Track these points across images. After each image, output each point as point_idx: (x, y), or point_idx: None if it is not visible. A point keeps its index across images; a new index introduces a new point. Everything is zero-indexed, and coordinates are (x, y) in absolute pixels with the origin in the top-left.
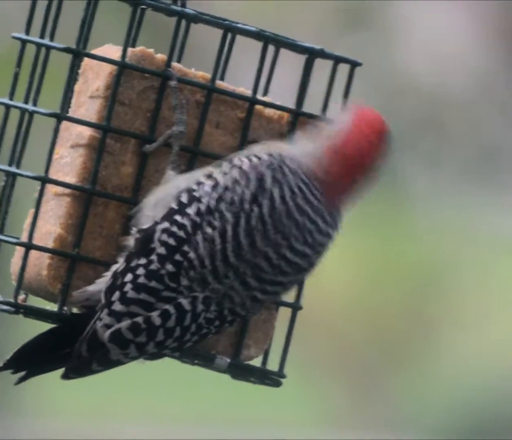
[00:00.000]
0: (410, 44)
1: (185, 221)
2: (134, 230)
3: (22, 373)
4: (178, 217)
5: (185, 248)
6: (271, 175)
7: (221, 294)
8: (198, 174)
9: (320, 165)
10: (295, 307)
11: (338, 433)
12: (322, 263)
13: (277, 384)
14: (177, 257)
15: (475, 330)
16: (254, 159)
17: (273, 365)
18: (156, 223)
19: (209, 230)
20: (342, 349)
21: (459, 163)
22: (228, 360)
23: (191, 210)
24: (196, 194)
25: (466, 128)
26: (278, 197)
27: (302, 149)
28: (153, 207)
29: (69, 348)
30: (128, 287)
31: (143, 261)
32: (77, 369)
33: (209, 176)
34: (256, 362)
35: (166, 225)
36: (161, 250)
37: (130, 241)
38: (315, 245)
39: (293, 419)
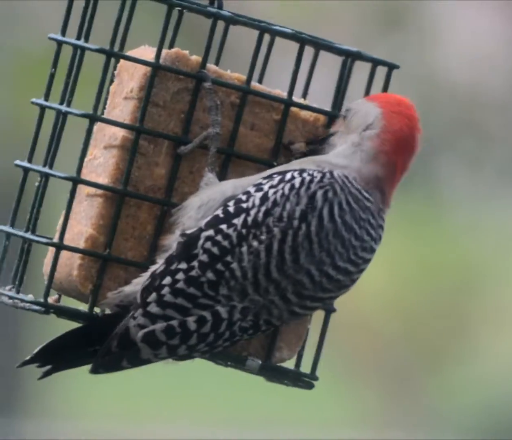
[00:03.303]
0: (447, 45)
1: (231, 232)
2: (176, 232)
3: (47, 368)
4: (223, 227)
5: (228, 258)
6: (322, 194)
7: (260, 306)
8: (246, 182)
9: (375, 163)
10: (329, 310)
11: (373, 433)
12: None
13: (310, 386)
14: (219, 266)
15: (511, 330)
16: (307, 177)
17: (308, 367)
18: (201, 230)
19: (255, 243)
20: (377, 350)
21: (497, 165)
22: (260, 362)
23: (237, 222)
24: (243, 205)
25: (504, 129)
26: (327, 215)
27: (347, 155)
28: (196, 209)
29: (96, 346)
30: (166, 290)
31: (183, 265)
32: (107, 364)
33: (259, 188)
34: (290, 364)
35: (211, 232)
36: (204, 257)
37: (172, 243)
38: (359, 262)
39: (328, 420)
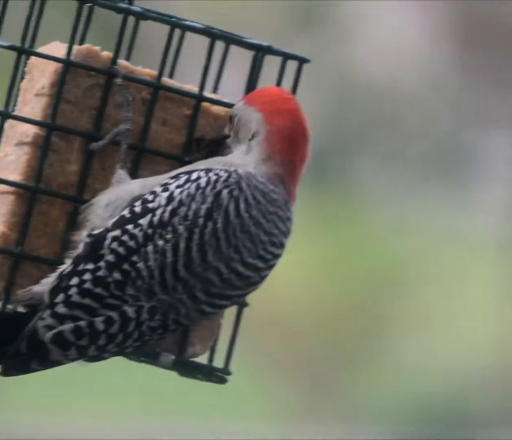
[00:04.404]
0: (363, 43)
1: (137, 232)
2: (84, 232)
3: None
4: (130, 227)
5: (134, 258)
6: (227, 192)
7: (167, 305)
8: (153, 182)
9: (271, 163)
10: (241, 304)
11: (288, 426)
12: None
13: (223, 381)
14: (126, 266)
15: (430, 328)
16: (212, 176)
17: (222, 362)
18: (108, 230)
19: (160, 242)
20: (293, 345)
21: (414, 161)
22: (173, 357)
23: (144, 222)
24: (150, 205)
25: (421, 126)
26: (233, 211)
27: (244, 158)
28: (104, 207)
29: (10, 345)
30: (73, 291)
31: (90, 266)
32: (17, 366)
33: (165, 188)
34: (203, 359)
35: (117, 233)
36: (110, 258)
37: (79, 243)
38: (268, 257)
39: (244, 413)
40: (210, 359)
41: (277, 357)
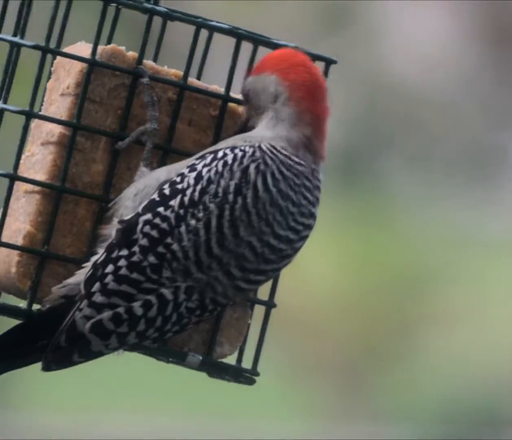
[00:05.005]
0: (392, 44)
1: (169, 213)
2: (115, 220)
3: None
4: (161, 210)
5: (168, 240)
6: (254, 167)
7: (204, 284)
8: (179, 166)
9: (300, 123)
10: (269, 305)
11: (318, 427)
12: (303, 262)
13: (251, 382)
14: (160, 249)
15: (456, 328)
16: (238, 152)
17: (250, 363)
18: (139, 214)
19: (192, 222)
20: (322, 346)
21: (442, 164)
22: (200, 357)
23: (174, 203)
24: (179, 186)
25: (449, 128)
26: (262, 186)
27: (271, 127)
28: (133, 197)
29: (40, 342)
30: (109, 278)
31: (124, 252)
32: (58, 360)
33: (192, 168)
34: (231, 360)
35: (148, 216)
36: (144, 242)
37: (111, 231)
38: (299, 228)
39: (272, 413)
40: (239, 360)
41: (307, 357)
